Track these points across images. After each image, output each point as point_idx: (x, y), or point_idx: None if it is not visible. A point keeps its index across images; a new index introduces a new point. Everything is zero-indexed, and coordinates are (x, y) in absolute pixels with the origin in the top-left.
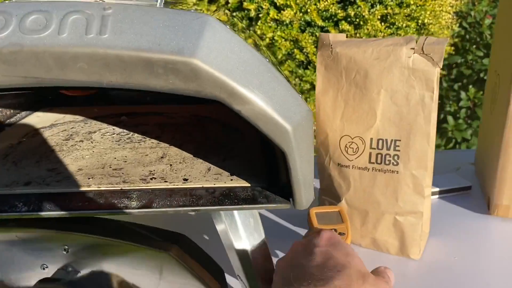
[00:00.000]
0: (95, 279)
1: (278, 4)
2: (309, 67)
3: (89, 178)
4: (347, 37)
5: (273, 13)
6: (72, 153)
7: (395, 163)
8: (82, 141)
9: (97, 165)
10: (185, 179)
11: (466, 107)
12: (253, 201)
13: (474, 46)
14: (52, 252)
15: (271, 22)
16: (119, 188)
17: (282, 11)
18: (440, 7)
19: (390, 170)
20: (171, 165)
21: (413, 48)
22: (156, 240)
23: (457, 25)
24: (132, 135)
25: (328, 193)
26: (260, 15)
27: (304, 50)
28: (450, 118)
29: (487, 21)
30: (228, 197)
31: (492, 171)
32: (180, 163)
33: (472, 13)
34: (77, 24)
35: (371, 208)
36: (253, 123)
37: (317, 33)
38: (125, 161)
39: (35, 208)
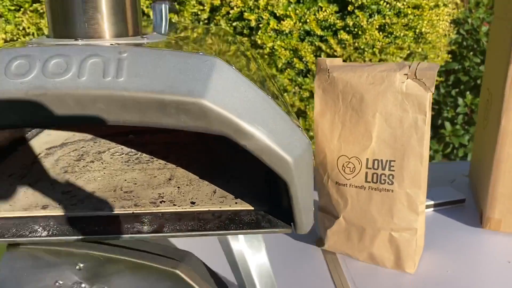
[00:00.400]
0: None
1: (278, 14)
2: (308, 75)
3: (102, 201)
4: (349, 60)
5: (273, 23)
6: (84, 174)
7: (390, 182)
8: (93, 161)
9: (108, 187)
10: (193, 202)
11: (463, 113)
12: (256, 225)
13: (471, 53)
14: (65, 269)
15: (271, 32)
16: (131, 212)
17: (282, 21)
18: (437, 16)
19: (385, 189)
20: (178, 187)
21: (406, 74)
22: (165, 258)
23: (454, 32)
24: (140, 155)
25: (326, 210)
26: (261, 25)
27: (304, 59)
28: (447, 124)
29: (484, 28)
30: (234, 222)
31: (484, 185)
32: (187, 185)
33: (469, 20)
34: (95, 68)
35: (367, 224)
36: (257, 156)
37: (316, 42)
38: (135, 183)
39: (54, 233)
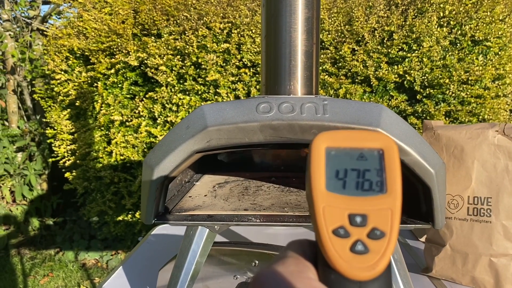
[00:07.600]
0: None
1: None
2: None
3: (284, 208)
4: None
5: None
6: (257, 196)
7: (488, 215)
8: (257, 190)
9: (280, 203)
10: None
11: None
12: (404, 222)
13: None
14: (243, 266)
15: None
16: (307, 213)
17: None
18: (498, 105)
19: (484, 220)
20: None
21: (497, 131)
22: None
23: None
24: (288, 188)
25: (433, 241)
26: None
27: None
28: None
29: None
30: None
31: None
32: None
33: None
34: (310, 108)
35: (470, 250)
36: (411, 168)
37: None
38: (298, 201)
39: (260, 221)
